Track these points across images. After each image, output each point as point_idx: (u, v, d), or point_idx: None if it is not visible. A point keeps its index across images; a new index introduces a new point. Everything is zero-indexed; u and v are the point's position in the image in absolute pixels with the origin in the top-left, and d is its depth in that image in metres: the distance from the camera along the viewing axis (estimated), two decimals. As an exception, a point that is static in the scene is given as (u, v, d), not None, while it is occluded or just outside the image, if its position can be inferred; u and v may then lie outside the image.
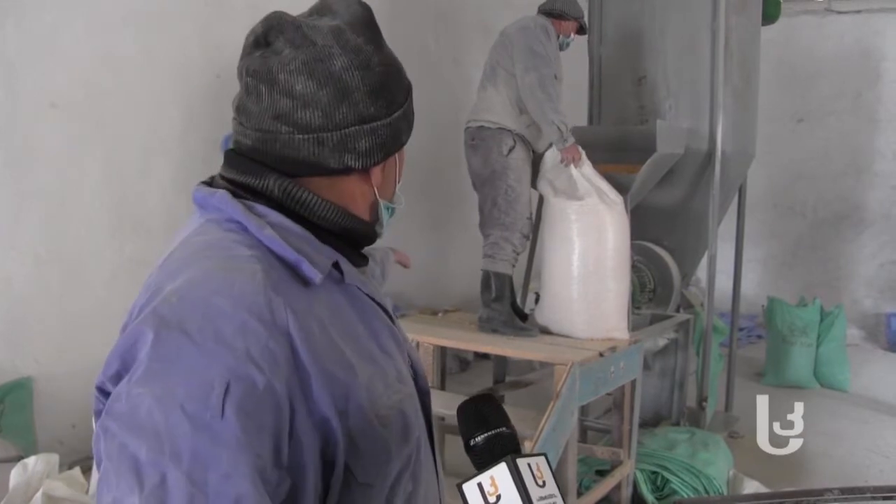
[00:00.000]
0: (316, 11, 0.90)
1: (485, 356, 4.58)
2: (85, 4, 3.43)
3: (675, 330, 3.97)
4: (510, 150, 3.17)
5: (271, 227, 0.82)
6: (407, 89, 0.93)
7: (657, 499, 3.27)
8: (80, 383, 2.31)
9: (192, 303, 0.72)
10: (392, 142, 0.90)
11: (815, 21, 7.17)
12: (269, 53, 0.84)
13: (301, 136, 0.84)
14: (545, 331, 3.20)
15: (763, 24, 4.37)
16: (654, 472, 3.31)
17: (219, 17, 3.91)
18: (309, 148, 0.84)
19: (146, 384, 0.68)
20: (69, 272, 3.43)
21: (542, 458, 0.83)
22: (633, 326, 3.38)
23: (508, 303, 3.23)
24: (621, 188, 3.24)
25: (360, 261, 0.94)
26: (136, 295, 0.81)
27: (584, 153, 3.17)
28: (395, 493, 0.82)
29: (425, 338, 3.10)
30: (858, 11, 7.02)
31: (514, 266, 3.25)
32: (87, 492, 2.65)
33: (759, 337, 6.47)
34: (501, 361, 3.66)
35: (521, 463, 0.80)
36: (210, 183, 0.89)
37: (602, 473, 3.29)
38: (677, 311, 4.21)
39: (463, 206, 4.74)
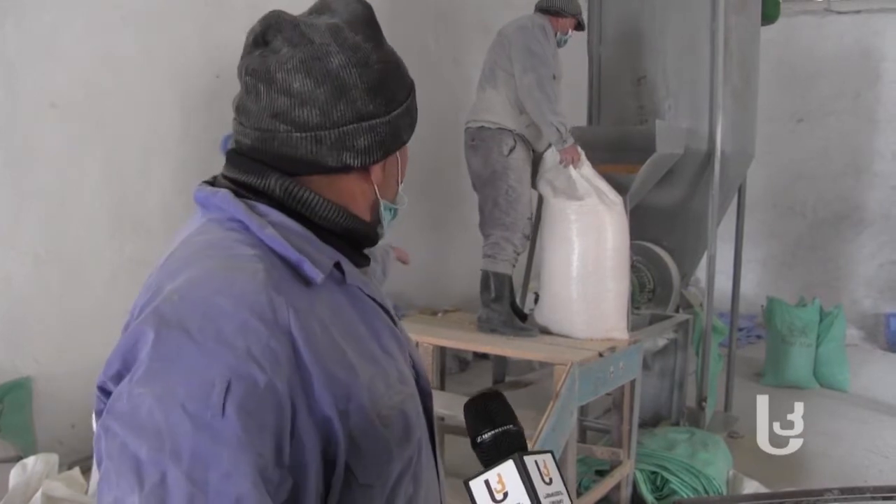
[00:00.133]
0: (315, 10, 0.90)
1: (484, 356, 4.58)
2: (85, 4, 3.43)
3: (674, 330, 3.97)
4: (511, 151, 3.17)
5: (273, 226, 0.82)
6: (409, 87, 0.92)
7: (657, 499, 3.27)
8: (79, 383, 2.32)
9: (192, 302, 0.72)
10: (392, 140, 0.89)
11: (814, 21, 7.17)
12: (267, 52, 0.84)
13: (299, 135, 0.83)
14: (545, 331, 3.20)
15: (762, 24, 4.37)
16: (653, 473, 3.31)
17: (219, 17, 3.91)
18: (307, 146, 0.84)
19: (147, 384, 0.68)
20: (69, 272, 3.43)
21: (549, 455, 0.83)
22: (633, 326, 3.38)
23: (508, 303, 3.23)
24: (621, 188, 3.24)
25: (362, 261, 0.94)
26: (137, 295, 0.81)
27: (583, 153, 3.17)
28: (396, 495, 0.82)
29: (425, 338, 3.10)
30: (858, 12, 7.03)
31: (514, 266, 3.25)
32: (86, 492, 2.65)
33: (759, 337, 6.47)
34: (501, 361, 3.66)
35: (529, 460, 0.80)
36: (212, 183, 0.89)
37: (601, 473, 3.29)
38: (677, 311, 4.21)
39: (463, 206, 4.74)
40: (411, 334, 1.04)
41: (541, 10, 3.35)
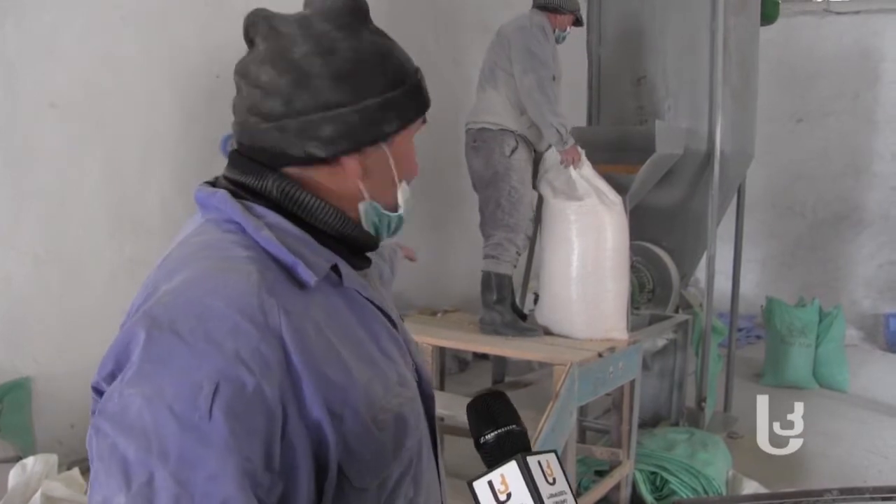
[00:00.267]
0: (304, 5, 0.91)
1: (484, 356, 4.58)
2: (85, 4, 3.43)
3: (674, 330, 3.97)
4: (513, 151, 3.16)
5: (269, 228, 0.81)
6: (394, 78, 0.88)
7: (656, 499, 3.27)
8: (79, 383, 2.31)
9: (184, 303, 0.73)
10: (363, 131, 0.85)
11: (813, 21, 7.16)
12: (251, 50, 0.86)
13: (266, 125, 0.84)
14: (544, 331, 3.20)
15: (762, 25, 4.37)
16: (653, 473, 3.31)
17: (219, 17, 3.90)
18: (273, 136, 0.84)
19: (137, 384, 0.68)
20: (69, 272, 3.43)
21: (552, 455, 0.83)
22: (632, 327, 3.38)
23: (510, 304, 3.22)
24: (620, 188, 3.24)
25: (361, 263, 0.93)
26: (136, 295, 0.81)
27: (583, 154, 3.16)
28: (396, 498, 0.82)
29: (424, 338, 3.10)
30: (857, 12, 7.02)
31: (515, 267, 3.25)
32: (85, 492, 2.64)
33: (758, 337, 6.47)
34: (500, 362, 3.66)
35: (532, 460, 0.80)
36: (213, 183, 0.89)
37: (601, 474, 3.29)
38: (676, 311, 4.21)
39: (463, 206, 4.74)
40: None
41: (539, 6, 3.30)
